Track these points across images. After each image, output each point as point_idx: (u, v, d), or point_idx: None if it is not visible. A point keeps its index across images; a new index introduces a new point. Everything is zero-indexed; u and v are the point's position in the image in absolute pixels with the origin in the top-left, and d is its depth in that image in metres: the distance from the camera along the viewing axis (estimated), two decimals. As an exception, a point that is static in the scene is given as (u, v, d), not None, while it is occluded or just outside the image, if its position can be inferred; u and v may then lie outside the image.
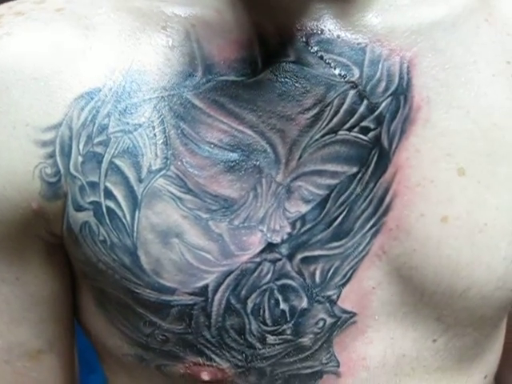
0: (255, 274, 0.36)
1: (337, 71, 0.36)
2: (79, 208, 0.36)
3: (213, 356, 0.37)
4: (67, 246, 0.38)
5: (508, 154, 0.39)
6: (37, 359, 0.41)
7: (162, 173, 0.35)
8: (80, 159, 0.35)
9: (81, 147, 0.35)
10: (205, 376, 0.37)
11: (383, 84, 0.37)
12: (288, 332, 0.37)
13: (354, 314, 0.38)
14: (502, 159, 0.39)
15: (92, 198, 0.35)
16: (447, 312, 0.39)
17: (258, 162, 0.36)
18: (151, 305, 0.36)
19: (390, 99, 0.37)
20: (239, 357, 0.37)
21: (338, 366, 0.39)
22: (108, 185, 0.35)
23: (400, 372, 0.40)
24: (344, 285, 0.37)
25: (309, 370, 0.38)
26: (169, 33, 0.36)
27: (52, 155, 0.35)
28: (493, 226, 0.38)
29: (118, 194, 0.35)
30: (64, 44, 0.36)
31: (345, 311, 0.38)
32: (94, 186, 0.35)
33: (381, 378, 0.40)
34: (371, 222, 0.37)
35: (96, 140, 0.35)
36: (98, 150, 0.35)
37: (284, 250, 0.36)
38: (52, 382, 0.42)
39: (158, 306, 0.36)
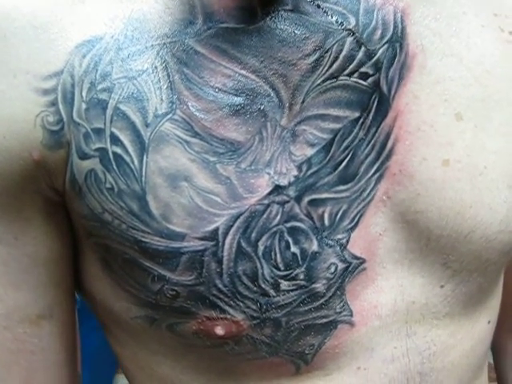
0: (264, 216, 0.35)
1: (334, 19, 0.37)
2: (84, 156, 0.35)
3: (226, 308, 0.36)
4: (69, 201, 0.37)
5: (500, 99, 0.40)
6: (37, 325, 0.39)
7: (168, 117, 0.35)
8: (84, 106, 0.35)
9: (84, 94, 0.35)
10: (219, 330, 0.36)
11: (379, 32, 0.38)
12: (301, 277, 0.36)
13: (364, 261, 0.38)
14: (495, 105, 0.40)
15: (98, 145, 0.35)
16: (453, 257, 0.39)
17: (262, 106, 0.36)
18: (159, 255, 0.35)
19: (386, 46, 0.38)
20: (253, 306, 0.36)
21: (352, 315, 0.38)
22: (114, 130, 0.34)
23: (410, 319, 0.40)
24: (352, 229, 0.37)
25: (324, 320, 0.38)
26: None
27: (54, 103, 0.35)
28: (492, 169, 0.39)
29: (125, 139, 0.34)
30: None
31: (355, 257, 0.38)
32: (99, 132, 0.35)
33: (392, 325, 0.40)
34: (375, 167, 0.37)
35: (99, 87, 0.35)
36: (102, 96, 0.35)
37: (291, 192, 0.36)
38: (53, 348, 0.41)
39: (167, 255, 0.35)
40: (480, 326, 0.43)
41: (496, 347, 0.58)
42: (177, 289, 0.36)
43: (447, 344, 0.41)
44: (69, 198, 0.37)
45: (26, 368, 0.40)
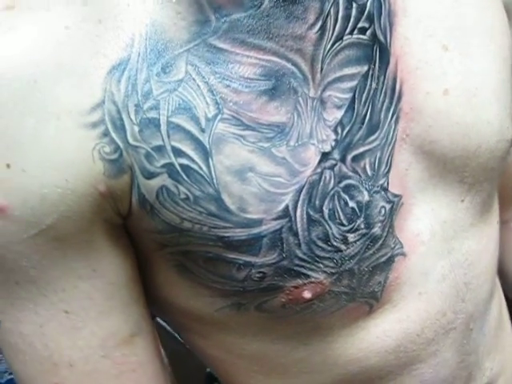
0: (321, 183, 0.38)
1: None
2: (150, 175, 0.36)
3: (309, 273, 0.39)
4: (135, 221, 0.38)
5: (473, 24, 0.45)
6: (132, 343, 0.40)
7: (218, 118, 0.36)
8: (136, 129, 0.35)
9: (132, 117, 0.35)
10: (307, 294, 0.39)
11: None
12: (362, 226, 0.40)
13: (401, 196, 0.42)
14: (470, 30, 0.44)
15: (162, 162, 0.36)
16: (467, 172, 0.45)
17: (290, 84, 0.38)
18: (243, 244, 0.37)
19: None
20: (331, 264, 0.39)
21: (403, 247, 0.43)
22: (174, 144, 0.36)
23: (447, 237, 0.45)
24: (388, 171, 0.41)
25: (384, 258, 0.42)
26: None
27: (106, 133, 0.35)
28: (482, 89, 0.44)
29: (187, 149, 0.36)
30: (75, 25, 0.35)
31: (395, 195, 0.42)
32: (160, 149, 0.35)
33: (435, 247, 0.45)
34: (391, 111, 0.41)
35: (145, 106, 0.35)
36: (151, 114, 0.35)
37: (336, 155, 0.39)
38: (150, 360, 0.42)
39: (250, 242, 0.37)
40: (494, 228, 0.50)
41: None
42: (263, 270, 0.38)
43: (478, 251, 0.47)
44: (136, 218, 0.37)
45: None
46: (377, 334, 0.44)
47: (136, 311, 0.41)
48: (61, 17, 0.35)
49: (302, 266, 0.39)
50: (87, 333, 0.39)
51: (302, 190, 0.38)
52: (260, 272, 0.38)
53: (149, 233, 0.38)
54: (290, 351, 0.44)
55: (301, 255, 0.39)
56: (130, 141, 0.35)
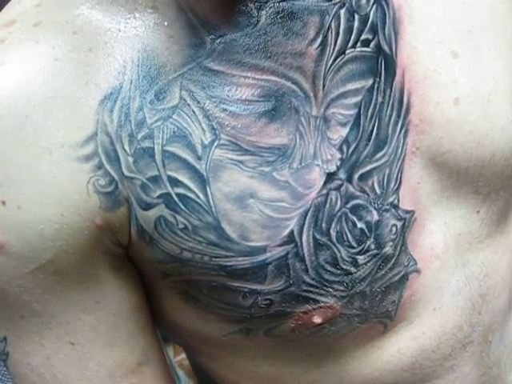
0: (327, 205, 0.37)
1: None
2: (148, 206, 0.35)
3: (318, 297, 0.38)
4: (137, 251, 0.37)
5: (483, 26, 0.42)
6: (139, 372, 0.40)
7: (215, 144, 0.35)
8: (131, 159, 0.34)
9: (127, 148, 0.34)
10: (317, 319, 0.38)
11: None
12: (372, 247, 0.38)
13: (413, 212, 0.41)
14: (480, 32, 0.42)
15: (159, 192, 0.35)
16: (482, 182, 0.43)
17: (291, 104, 0.37)
18: (247, 272, 0.36)
19: (375, 7, 0.39)
20: (341, 288, 0.38)
21: (416, 264, 0.41)
22: (170, 173, 0.35)
23: (461, 250, 0.43)
24: (398, 188, 0.40)
25: (397, 277, 0.40)
26: (161, 11, 0.36)
27: (100, 166, 0.34)
28: (496, 94, 0.42)
29: (183, 178, 0.35)
30: (65, 56, 0.34)
31: (407, 211, 0.40)
32: (156, 179, 0.35)
33: (450, 260, 0.43)
34: (399, 124, 0.40)
35: (139, 136, 0.34)
36: (145, 144, 0.34)
37: (342, 175, 0.38)
38: None
39: (255, 270, 0.36)
40: (510, 238, 0.48)
41: None
42: (270, 297, 0.37)
43: (493, 261, 0.45)
44: (137, 248, 0.37)
45: None
46: (392, 353, 0.43)
47: (142, 340, 0.40)
48: (50, 48, 0.34)
49: (311, 292, 0.38)
50: (94, 364, 0.38)
51: (307, 214, 0.36)
52: (267, 299, 0.37)
53: (151, 262, 0.37)
54: (303, 374, 0.43)
55: (309, 280, 0.37)
56: (125, 172, 0.34)
